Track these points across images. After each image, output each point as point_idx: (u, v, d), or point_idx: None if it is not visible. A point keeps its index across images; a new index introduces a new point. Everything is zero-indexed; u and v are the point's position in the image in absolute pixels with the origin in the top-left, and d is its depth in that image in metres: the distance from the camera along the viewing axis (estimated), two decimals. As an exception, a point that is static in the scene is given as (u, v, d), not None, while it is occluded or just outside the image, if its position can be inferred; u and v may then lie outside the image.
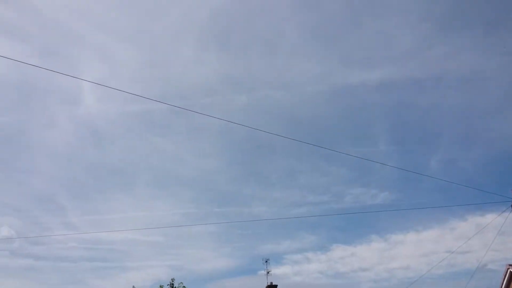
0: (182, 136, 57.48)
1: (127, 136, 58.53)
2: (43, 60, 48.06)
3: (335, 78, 53.57)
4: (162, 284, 22.95)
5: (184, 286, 22.93)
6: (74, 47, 51.48)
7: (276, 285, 26.87)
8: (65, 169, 55.30)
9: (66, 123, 55.09)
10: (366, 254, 49.57)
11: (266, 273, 26.96)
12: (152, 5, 51.65)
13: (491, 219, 21.74)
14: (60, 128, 55.08)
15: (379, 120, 54.47)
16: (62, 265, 46.67)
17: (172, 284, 22.94)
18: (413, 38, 51.62)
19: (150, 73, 55.70)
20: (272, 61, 54.32)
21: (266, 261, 27.00)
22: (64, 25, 50.07)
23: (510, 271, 23.51)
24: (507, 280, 23.69)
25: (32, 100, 54.62)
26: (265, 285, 26.86)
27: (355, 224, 54.89)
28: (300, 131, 53.41)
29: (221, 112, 51.98)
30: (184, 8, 51.60)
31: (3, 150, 54.19)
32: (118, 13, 52.16)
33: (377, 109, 54.14)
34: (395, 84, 52.20)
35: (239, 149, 58.43)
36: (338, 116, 57.26)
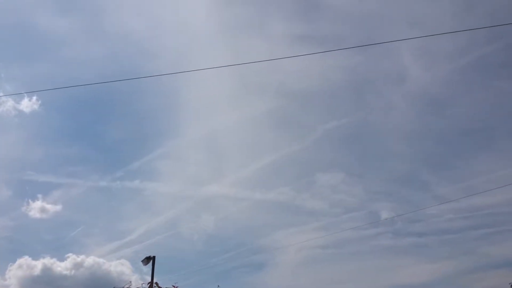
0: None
1: (465, 94, 57.94)
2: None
3: None
4: None
5: None
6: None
7: None
8: (415, 145, 58.16)
9: (401, 102, 57.57)
10: None
11: None
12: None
13: None
14: (397, 110, 58.92)
15: None
16: (446, 237, 46.85)
17: None
18: None
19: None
20: None
21: None
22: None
23: None
24: None
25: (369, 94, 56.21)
26: None
27: None
28: None
29: None
30: None
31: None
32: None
33: None
34: None
35: None
36: None
